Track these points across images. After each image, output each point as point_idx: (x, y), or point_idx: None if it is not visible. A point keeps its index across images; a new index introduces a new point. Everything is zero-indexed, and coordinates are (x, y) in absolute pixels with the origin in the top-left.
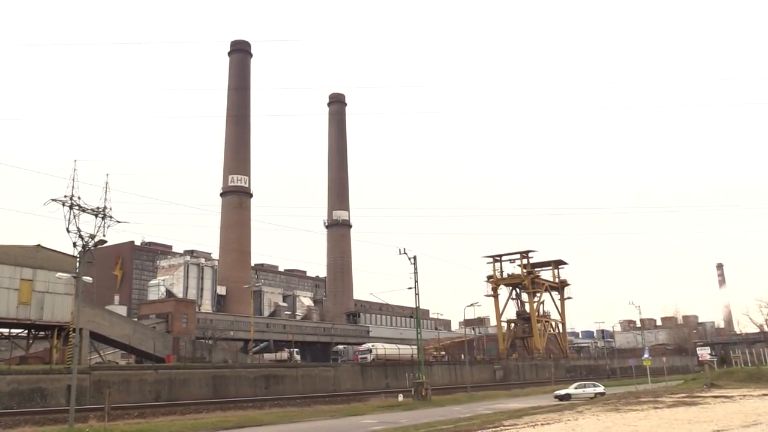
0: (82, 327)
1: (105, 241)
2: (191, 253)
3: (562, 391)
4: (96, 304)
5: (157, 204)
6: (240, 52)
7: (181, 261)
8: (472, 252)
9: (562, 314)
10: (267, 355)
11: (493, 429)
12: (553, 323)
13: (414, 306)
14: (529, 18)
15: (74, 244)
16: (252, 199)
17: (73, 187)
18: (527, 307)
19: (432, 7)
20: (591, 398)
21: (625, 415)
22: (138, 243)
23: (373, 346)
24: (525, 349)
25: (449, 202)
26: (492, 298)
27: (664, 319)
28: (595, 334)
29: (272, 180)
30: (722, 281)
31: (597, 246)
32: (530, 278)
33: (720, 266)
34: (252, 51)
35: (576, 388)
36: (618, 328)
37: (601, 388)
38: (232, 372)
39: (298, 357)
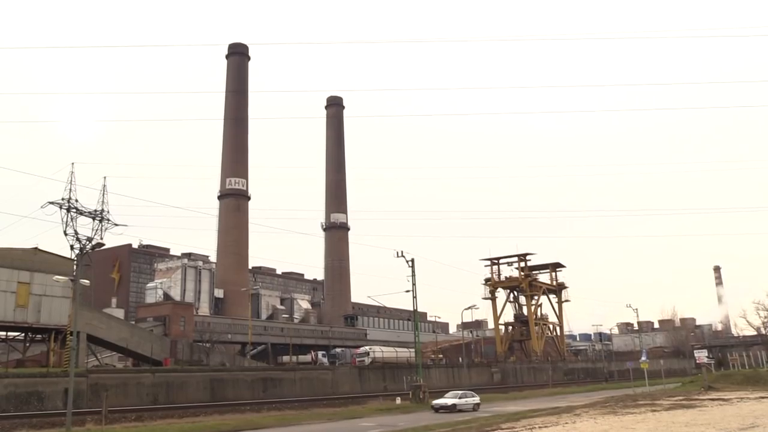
0: (80, 330)
1: (102, 244)
2: (189, 256)
3: (449, 401)
4: (93, 307)
5: (155, 207)
6: (238, 54)
7: (179, 264)
8: (470, 255)
9: (559, 317)
10: (286, 358)
11: None
12: (551, 326)
13: (412, 309)
14: (526, 20)
15: (72, 247)
16: (250, 202)
17: (70, 189)
18: (525, 310)
19: (430, 10)
20: (470, 409)
21: (622, 417)
22: (135, 246)
23: (370, 348)
24: (523, 351)
25: (447, 204)
26: (490, 301)
27: (661, 322)
28: (592, 337)
29: (270, 183)
30: (720, 284)
31: (595, 249)
32: (528, 281)
33: (717, 269)
34: (250, 54)
35: (460, 398)
36: (615, 331)
37: (477, 399)
38: (230, 375)
39: (324, 360)
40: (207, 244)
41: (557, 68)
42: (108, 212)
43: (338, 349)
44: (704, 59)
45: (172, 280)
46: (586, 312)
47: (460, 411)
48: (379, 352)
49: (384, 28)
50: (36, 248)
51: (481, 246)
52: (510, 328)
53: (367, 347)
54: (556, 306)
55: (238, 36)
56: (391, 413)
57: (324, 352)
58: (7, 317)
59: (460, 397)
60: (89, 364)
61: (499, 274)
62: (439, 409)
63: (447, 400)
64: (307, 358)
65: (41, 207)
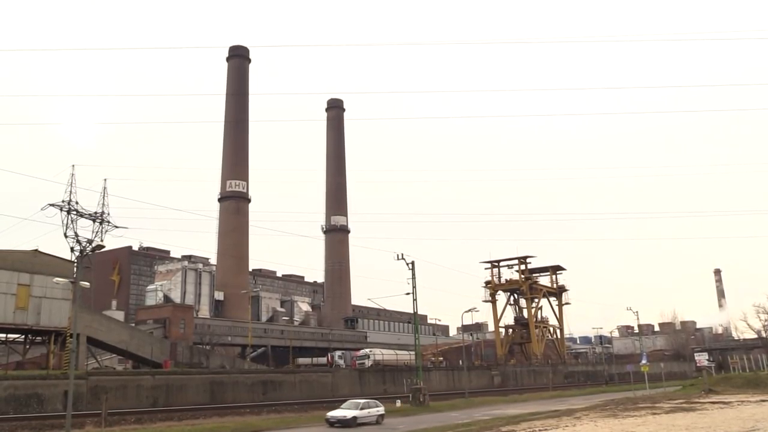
0: (80, 332)
1: (103, 246)
2: (189, 258)
3: (348, 412)
4: (93, 309)
5: (155, 209)
6: (238, 57)
7: (179, 266)
8: (471, 257)
9: (560, 320)
10: (301, 360)
11: None
12: (551, 329)
13: (412, 311)
14: (526, 23)
15: (72, 249)
16: (250, 205)
17: (71, 192)
18: (525, 313)
19: (430, 13)
20: (374, 423)
21: (623, 420)
22: (136, 248)
23: (371, 351)
24: (523, 354)
25: (447, 207)
26: (490, 304)
27: (662, 325)
28: (593, 340)
29: (270, 185)
30: (720, 287)
31: (595, 251)
32: (528, 284)
33: (718, 272)
34: (250, 56)
35: (361, 408)
36: (616, 334)
37: (381, 409)
38: (230, 377)
39: (341, 362)
40: (207, 247)
41: (558, 71)
42: (108, 214)
43: (338, 352)
44: (704, 61)
45: (172, 282)
46: (587, 315)
47: (361, 425)
48: (379, 354)
49: (385, 30)
50: (36, 250)
51: (482, 249)
52: (510, 330)
53: (367, 350)
54: (556, 309)
55: (238, 39)
56: (391, 416)
57: (340, 354)
58: (7, 319)
59: (361, 408)
60: (89, 367)
61: (499, 277)
62: (334, 423)
63: (345, 412)
64: (323, 360)
65: (41, 209)
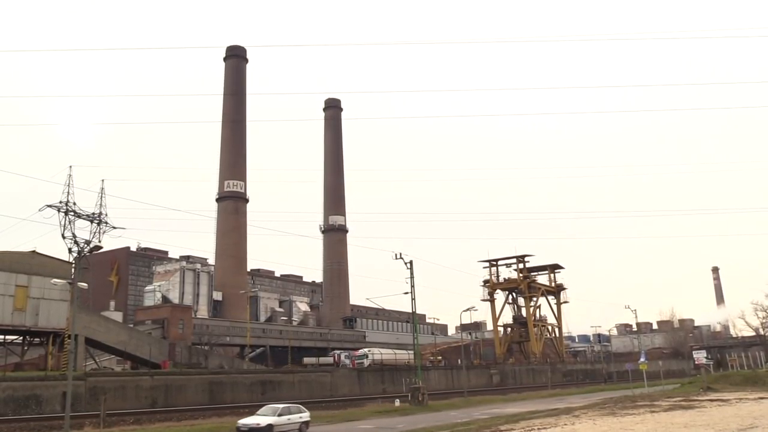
0: (78, 333)
1: (100, 247)
2: (187, 258)
3: (263, 419)
4: (92, 310)
5: (153, 209)
6: (236, 57)
7: (177, 266)
8: (469, 256)
9: (558, 318)
10: (307, 359)
11: None
12: (550, 327)
13: (411, 311)
14: (524, 22)
15: (70, 250)
16: (248, 205)
17: (68, 192)
18: (524, 312)
19: (427, 12)
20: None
21: (621, 419)
22: (134, 248)
23: (369, 351)
24: (522, 353)
25: (446, 206)
26: (488, 303)
27: (660, 323)
28: (591, 338)
29: (268, 185)
30: (718, 285)
31: (593, 250)
32: (527, 282)
33: (716, 270)
34: (248, 56)
35: (280, 414)
36: (614, 332)
37: (306, 415)
38: (229, 378)
39: (347, 362)
40: (205, 247)
41: (555, 70)
42: (106, 215)
43: (338, 352)
44: (702, 60)
45: (170, 282)
46: (585, 313)
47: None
48: (378, 354)
49: (382, 30)
50: (34, 251)
51: (480, 248)
52: (509, 329)
53: (365, 349)
54: (554, 307)
55: (235, 38)
56: (390, 415)
57: (347, 354)
58: (5, 320)
59: (279, 414)
60: (87, 368)
61: (497, 276)
62: None
63: (260, 419)
64: (329, 360)
65: (39, 210)
